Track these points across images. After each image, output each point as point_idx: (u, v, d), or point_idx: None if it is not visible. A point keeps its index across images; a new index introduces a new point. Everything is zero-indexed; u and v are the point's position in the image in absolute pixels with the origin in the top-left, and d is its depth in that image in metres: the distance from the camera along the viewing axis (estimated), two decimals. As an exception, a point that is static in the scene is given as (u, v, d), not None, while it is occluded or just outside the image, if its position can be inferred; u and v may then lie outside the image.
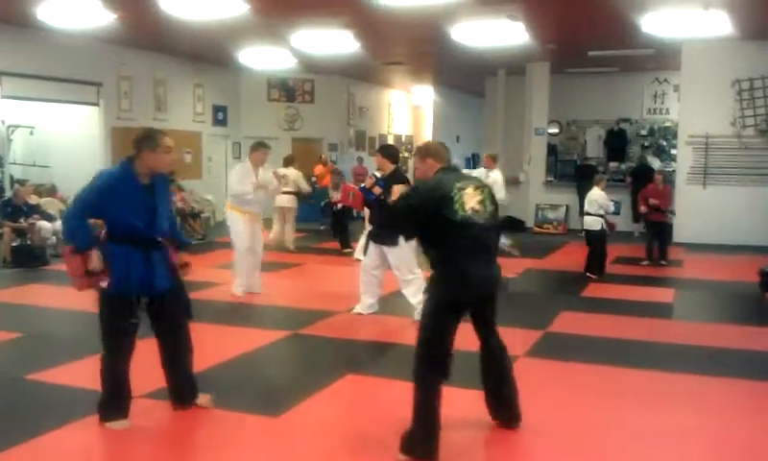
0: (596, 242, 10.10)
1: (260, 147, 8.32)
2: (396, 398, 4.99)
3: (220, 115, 17.20)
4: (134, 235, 4.26)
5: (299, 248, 12.39)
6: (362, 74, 18.66)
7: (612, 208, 10.59)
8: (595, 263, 10.06)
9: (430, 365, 3.94)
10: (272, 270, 9.64)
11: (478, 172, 10.14)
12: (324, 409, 4.83)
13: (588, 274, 9.99)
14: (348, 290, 8.44)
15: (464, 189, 4.01)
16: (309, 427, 4.49)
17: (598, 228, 10.05)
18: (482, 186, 4.17)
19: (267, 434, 4.40)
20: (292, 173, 12.39)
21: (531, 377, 5.50)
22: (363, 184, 7.18)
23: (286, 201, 12.21)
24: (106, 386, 4.38)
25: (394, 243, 6.81)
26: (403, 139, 23.24)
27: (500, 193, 9.89)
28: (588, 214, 10.13)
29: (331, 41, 12.32)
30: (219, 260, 10.10)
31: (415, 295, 6.99)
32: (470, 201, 3.99)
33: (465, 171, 10.19)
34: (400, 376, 5.32)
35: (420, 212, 4.07)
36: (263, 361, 5.90)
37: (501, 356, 4.32)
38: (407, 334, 6.66)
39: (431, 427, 3.89)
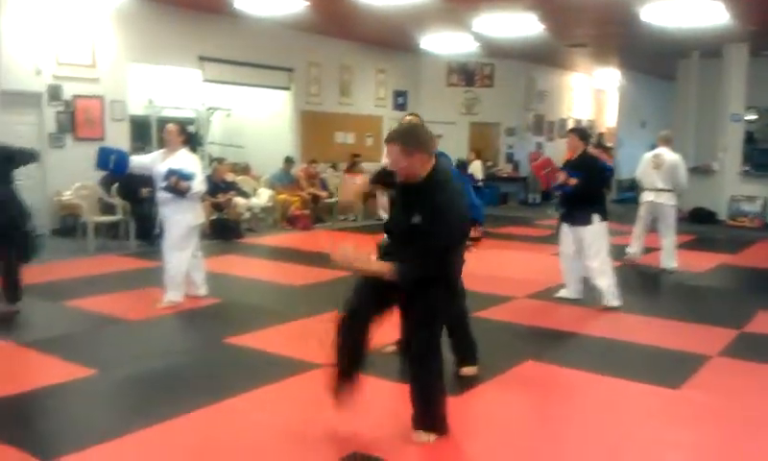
0: None
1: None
2: (578, 386, 4.92)
3: (400, 100, 17.52)
4: None
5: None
6: (543, 57, 18.24)
7: None
8: None
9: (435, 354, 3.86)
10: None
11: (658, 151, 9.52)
12: (503, 393, 4.80)
13: None
14: (524, 276, 8.35)
15: None
16: (486, 409, 4.50)
17: None
18: None
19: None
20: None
21: (728, 379, 5.18)
22: (558, 182, 7.27)
23: None
24: None
25: (586, 222, 6.86)
26: (584, 124, 22.48)
27: (683, 178, 9.32)
28: None
29: (514, 24, 12.15)
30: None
31: (603, 278, 6.92)
32: None
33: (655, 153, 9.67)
34: (583, 366, 5.24)
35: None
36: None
37: None
38: (590, 324, 6.53)
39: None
